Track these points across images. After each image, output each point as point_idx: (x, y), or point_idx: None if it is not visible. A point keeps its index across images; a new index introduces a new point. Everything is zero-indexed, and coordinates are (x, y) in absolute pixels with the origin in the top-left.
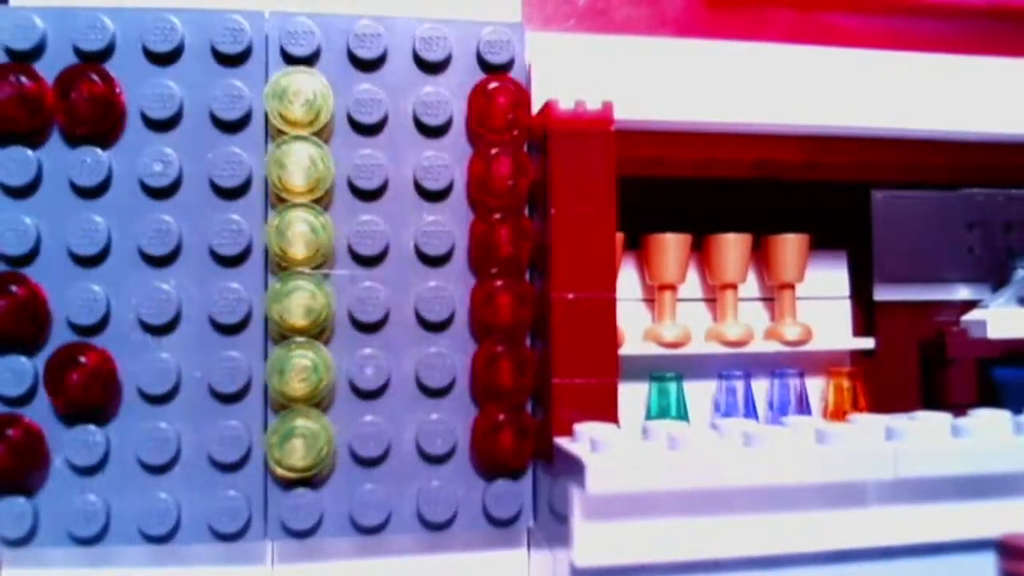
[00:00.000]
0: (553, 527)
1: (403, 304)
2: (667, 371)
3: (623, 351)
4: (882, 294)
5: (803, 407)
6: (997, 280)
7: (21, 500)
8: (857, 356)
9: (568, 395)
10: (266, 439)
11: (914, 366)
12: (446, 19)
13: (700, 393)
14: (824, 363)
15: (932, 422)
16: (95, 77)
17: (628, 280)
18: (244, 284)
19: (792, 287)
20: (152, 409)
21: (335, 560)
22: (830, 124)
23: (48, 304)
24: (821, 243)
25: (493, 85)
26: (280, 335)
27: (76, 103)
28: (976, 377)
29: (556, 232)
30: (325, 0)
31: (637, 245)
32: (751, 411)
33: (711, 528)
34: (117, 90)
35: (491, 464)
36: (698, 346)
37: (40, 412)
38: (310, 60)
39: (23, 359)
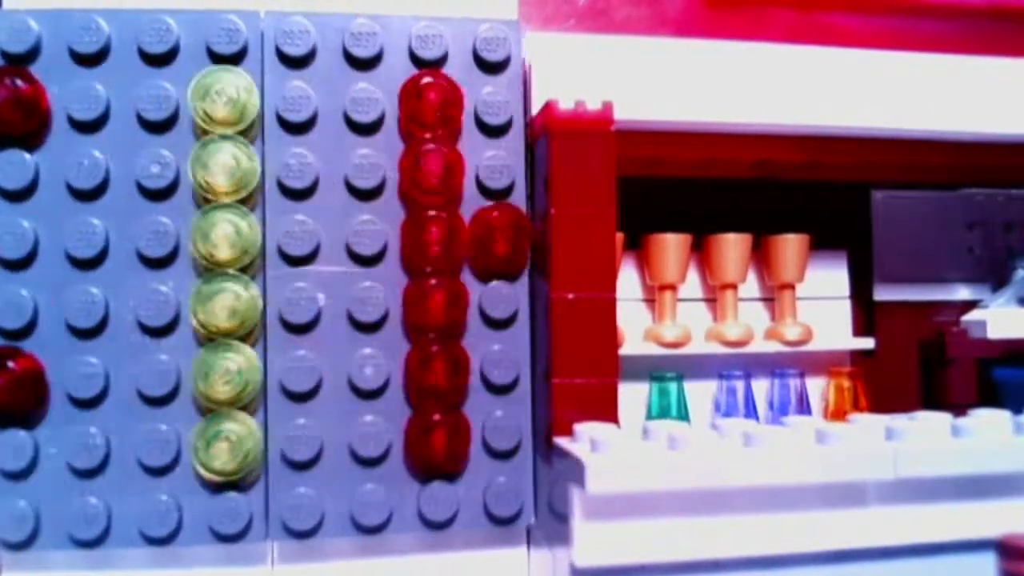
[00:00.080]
0: (553, 527)
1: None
2: (667, 371)
3: (623, 351)
4: (882, 294)
5: (803, 407)
6: (997, 280)
7: (21, 503)
8: (857, 356)
9: (568, 395)
10: (191, 442)
11: (914, 366)
12: (442, 17)
13: (700, 393)
14: (824, 363)
15: (932, 422)
16: (19, 82)
17: (628, 280)
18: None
19: (792, 287)
20: (149, 411)
21: (335, 560)
22: (830, 124)
23: None
24: (821, 243)
25: (425, 80)
26: (207, 337)
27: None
28: (976, 377)
29: (556, 232)
30: None
31: (637, 245)
32: (751, 411)
33: (711, 528)
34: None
35: (425, 466)
36: (698, 346)
37: None
38: (306, 60)
39: None
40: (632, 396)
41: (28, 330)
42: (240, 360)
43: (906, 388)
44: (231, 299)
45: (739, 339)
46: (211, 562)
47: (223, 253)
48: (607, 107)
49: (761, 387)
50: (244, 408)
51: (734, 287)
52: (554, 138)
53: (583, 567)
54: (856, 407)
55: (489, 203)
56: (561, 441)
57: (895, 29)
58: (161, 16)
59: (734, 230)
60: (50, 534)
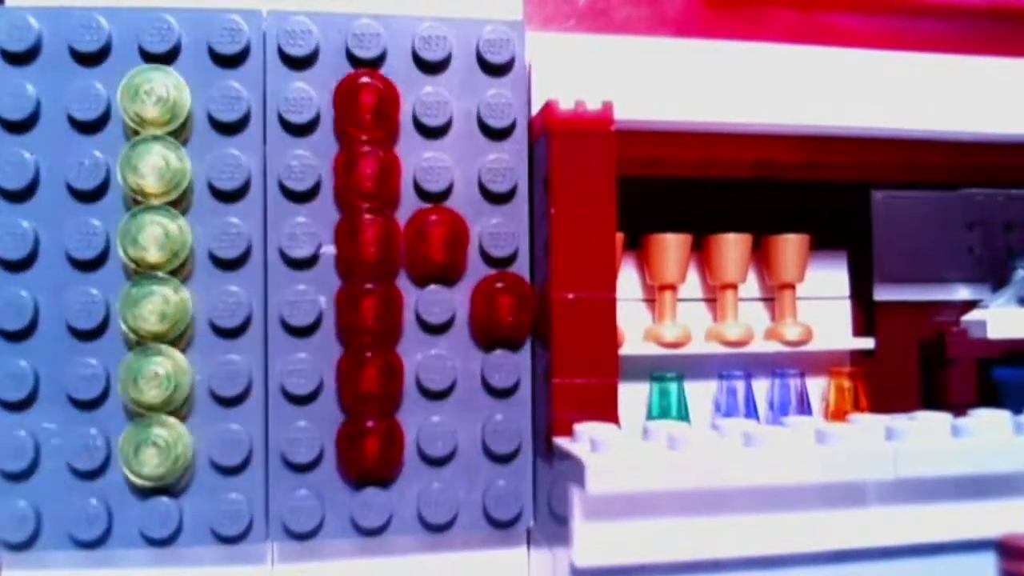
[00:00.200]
0: (553, 527)
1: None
2: (667, 371)
3: (623, 351)
4: (882, 294)
5: (803, 407)
6: (997, 280)
7: (22, 503)
8: (857, 356)
9: (568, 395)
10: (121, 448)
11: (914, 366)
12: (446, 18)
13: (700, 393)
14: (824, 363)
15: (932, 422)
16: None
17: (628, 280)
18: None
19: (792, 287)
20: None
21: (335, 560)
22: (830, 124)
23: None
24: (821, 243)
25: (363, 80)
26: (136, 341)
27: None
28: (976, 377)
29: (556, 232)
30: None
31: (637, 245)
32: (752, 411)
33: (711, 528)
34: None
35: (358, 472)
36: (698, 346)
37: None
38: (309, 60)
39: None
40: (632, 396)
41: None
42: (168, 364)
43: (906, 388)
44: (160, 302)
45: (739, 339)
46: (212, 562)
47: (152, 256)
48: (607, 107)
49: (761, 387)
50: (174, 412)
51: (734, 287)
52: (554, 138)
53: (583, 567)
54: (856, 407)
55: (491, 206)
56: (561, 441)
57: (895, 29)
58: (162, 15)
59: (734, 230)
60: (50, 534)
